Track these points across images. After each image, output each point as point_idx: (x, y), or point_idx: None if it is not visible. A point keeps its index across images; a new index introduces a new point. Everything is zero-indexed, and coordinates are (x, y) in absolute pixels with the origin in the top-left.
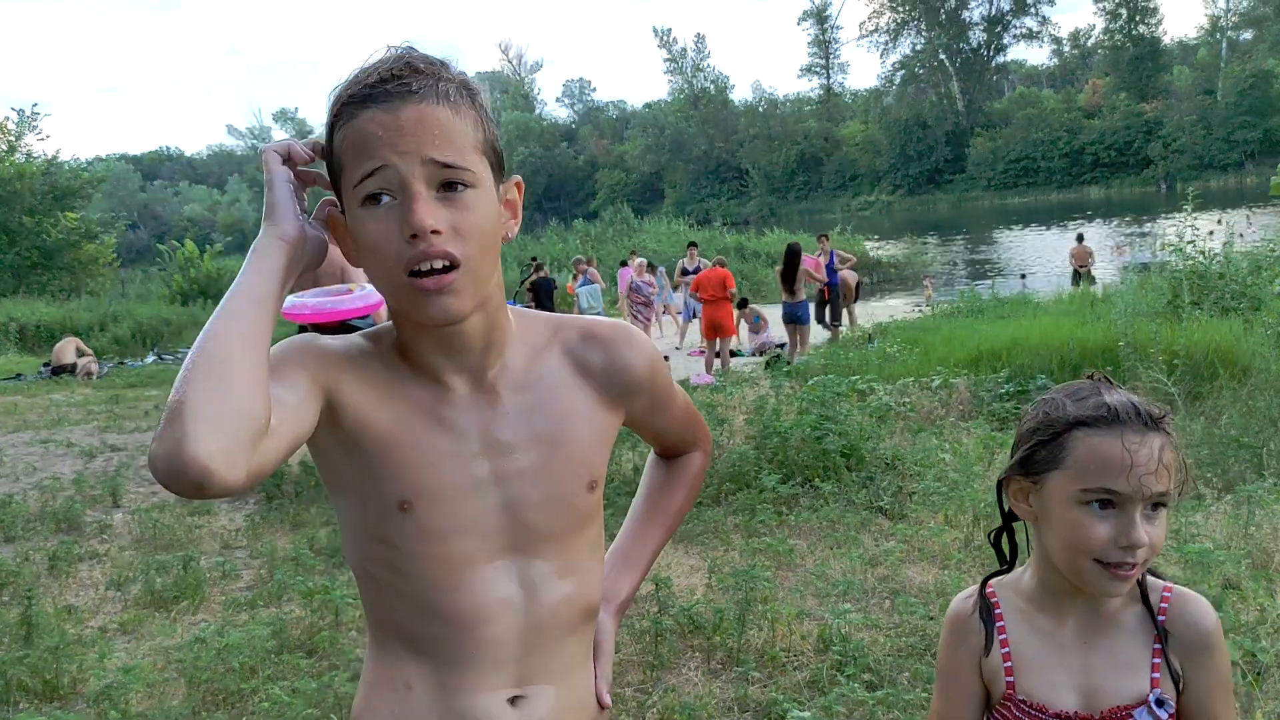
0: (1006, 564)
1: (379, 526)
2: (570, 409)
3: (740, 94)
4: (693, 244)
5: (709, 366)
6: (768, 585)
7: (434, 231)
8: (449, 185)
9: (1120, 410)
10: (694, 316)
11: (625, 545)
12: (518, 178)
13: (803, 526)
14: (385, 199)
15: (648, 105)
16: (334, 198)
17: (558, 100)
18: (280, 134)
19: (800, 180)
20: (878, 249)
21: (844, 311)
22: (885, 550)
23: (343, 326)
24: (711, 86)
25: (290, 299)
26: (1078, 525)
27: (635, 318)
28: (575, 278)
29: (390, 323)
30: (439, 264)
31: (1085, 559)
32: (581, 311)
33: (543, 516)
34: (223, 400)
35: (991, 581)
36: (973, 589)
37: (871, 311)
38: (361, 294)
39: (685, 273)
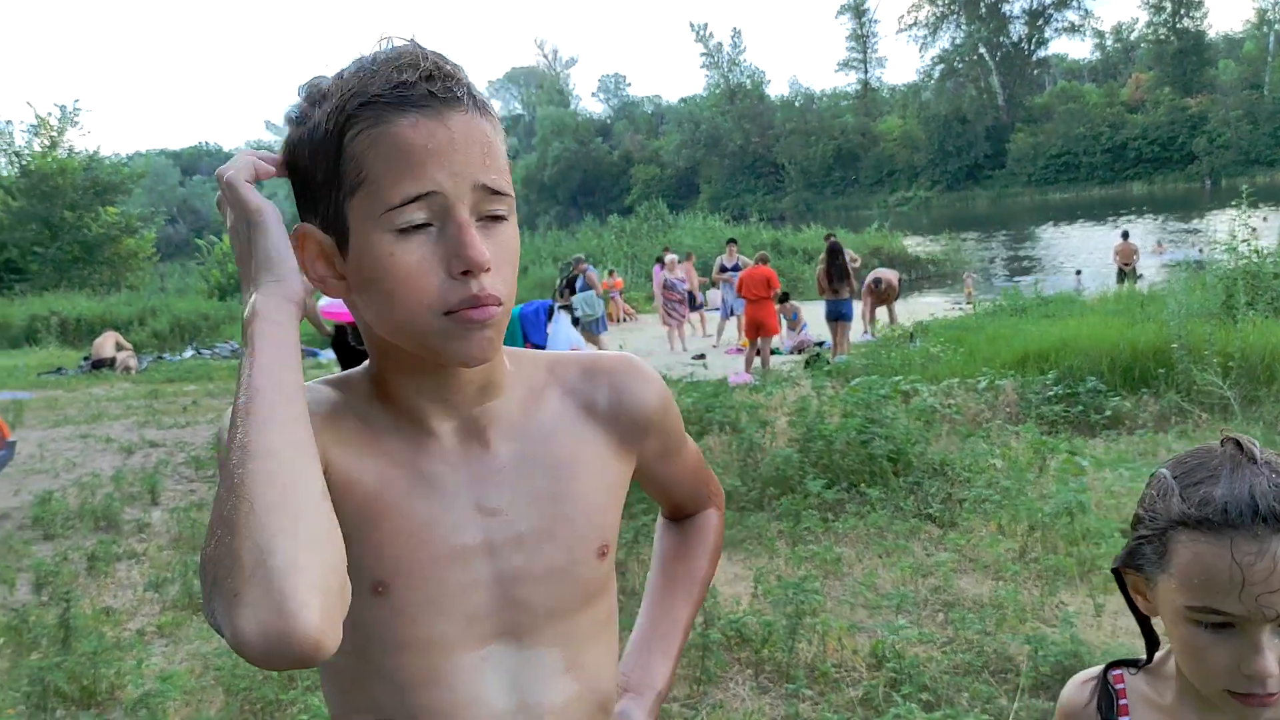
0: (1145, 659)
1: (350, 612)
2: (575, 458)
3: (776, 89)
4: (732, 240)
5: (748, 365)
6: (818, 598)
7: (486, 269)
8: (493, 216)
9: (1231, 509)
10: (731, 314)
11: (652, 623)
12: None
13: (849, 534)
14: (431, 227)
15: (683, 100)
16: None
17: (593, 95)
18: None
19: (837, 176)
20: (916, 246)
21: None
22: (937, 561)
23: None
24: (748, 81)
25: (326, 300)
26: (1191, 646)
27: (670, 314)
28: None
29: (364, 365)
30: (481, 305)
31: (1208, 683)
32: (575, 321)
33: (543, 592)
34: (314, 547)
35: (1120, 670)
36: (1093, 673)
37: (911, 309)
38: None
39: (724, 269)
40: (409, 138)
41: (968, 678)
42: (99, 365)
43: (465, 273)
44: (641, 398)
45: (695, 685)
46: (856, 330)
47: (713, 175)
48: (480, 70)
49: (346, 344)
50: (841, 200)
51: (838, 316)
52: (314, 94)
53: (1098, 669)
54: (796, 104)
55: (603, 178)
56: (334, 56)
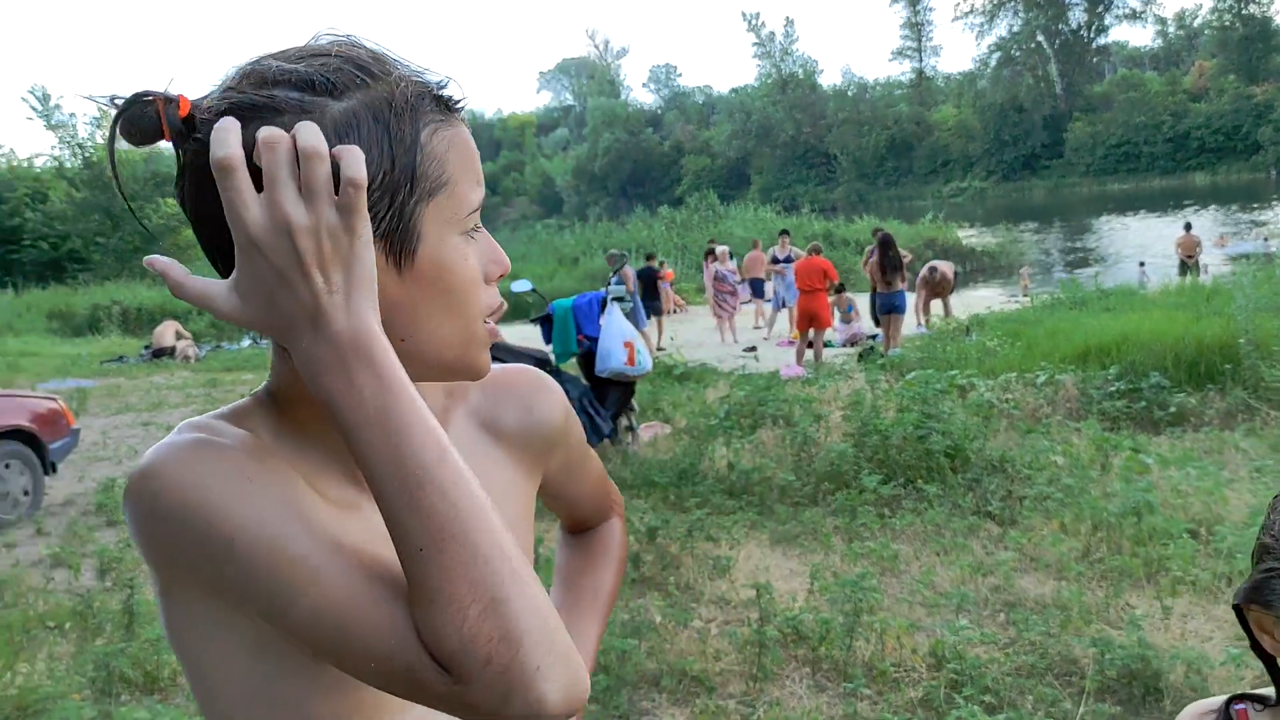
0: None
1: (271, 686)
2: (489, 484)
3: (829, 78)
4: (784, 231)
5: (799, 358)
6: (876, 596)
7: None
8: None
9: None
10: (782, 305)
11: None
12: None
13: (906, 530)
14: (479, 232)
15: (734, 90)
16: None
17: (644, 86)
18: None
19: (890, 166)
20: (971, 237)
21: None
22: (998, 560)
23: None
24: (800, 71)
25: None
26: None
27: (721, 306)
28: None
29: (250, 403)
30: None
31: None
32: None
33: None
34: (549, 603)
35: (1243, 704)
36: (1213, 704)
37: (966, 302)
38: None
39: (776, 260)
40: (469, 140)
41: (1031, 680)
42: (159, 354)
43: (500, 277)
44: (549, 413)
45: (751, 682)
46: (910, 323)
47: (764, 166)
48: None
49: None
50: (894, 191)
51: (890, 309)
52: (323, 82)
53: (1218, 700)
54: (849, 93)
55: (653, 168)
56: (398, 49)
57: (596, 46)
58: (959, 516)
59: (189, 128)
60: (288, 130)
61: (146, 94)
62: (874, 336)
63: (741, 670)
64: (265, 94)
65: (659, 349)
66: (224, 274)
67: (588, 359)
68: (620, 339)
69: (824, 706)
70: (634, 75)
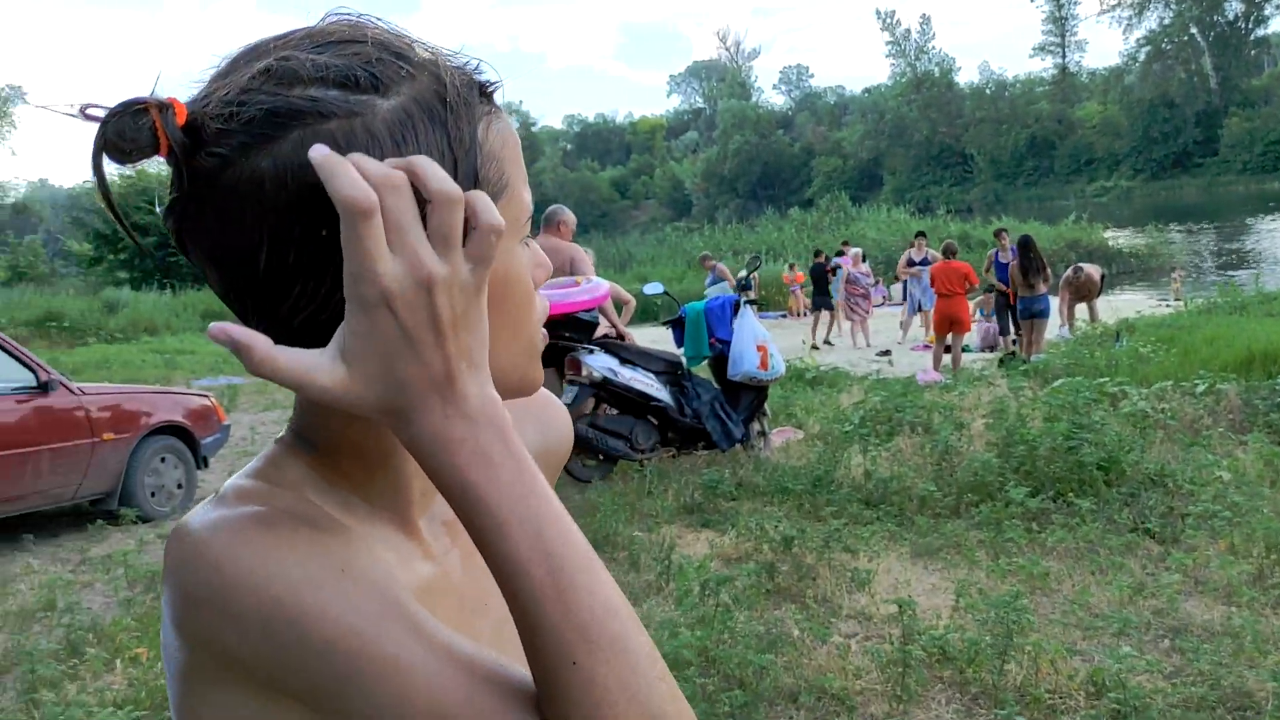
0: None
1: None
2: None
3: (966, 76)
4: (921, 234)
5: (937, 363)
6: (1030, 618)
7: None
8: None
9: None
10: (918, 309)
11: None
12: None
13: (1057, 547)
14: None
15: (867, 90)
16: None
17: (774, 87)
18: None
19: (1030, 165)
20: (1117, 239)
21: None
22: (1160, 582)
23: (569, 320)
24: (936, 69)
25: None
26: None
27: (853, 309)
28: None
29: (278, 459)
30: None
31: None
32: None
33: None
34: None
35: None
36: None
37: (1114, 307)
38: (588, 286)
39: (911, 263)
40: (514, 133)
41: (1201, 714)
42: None
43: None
44: (563, 430)
45: (895, 703)
46: (1053, 327)
47: (897, 166)
48: (664, 64)
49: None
50: (1034, 191)
51: (1032, 314)
52: (365, 78)
53: None
54: (988, 91)
55: (783, 170)
56: (513, 51)
57: (728, 48)
58: (1115, 533)
59: (194, 140)
60: (336, 140)
61: (136, 101)
62: (1015, 341)
63: (884, 690)
64: (302, 95)
65: (826, 343)
66: (249, 319)
67: (720, 362)
68: (753, 342)
69: None
70: (765, 77)
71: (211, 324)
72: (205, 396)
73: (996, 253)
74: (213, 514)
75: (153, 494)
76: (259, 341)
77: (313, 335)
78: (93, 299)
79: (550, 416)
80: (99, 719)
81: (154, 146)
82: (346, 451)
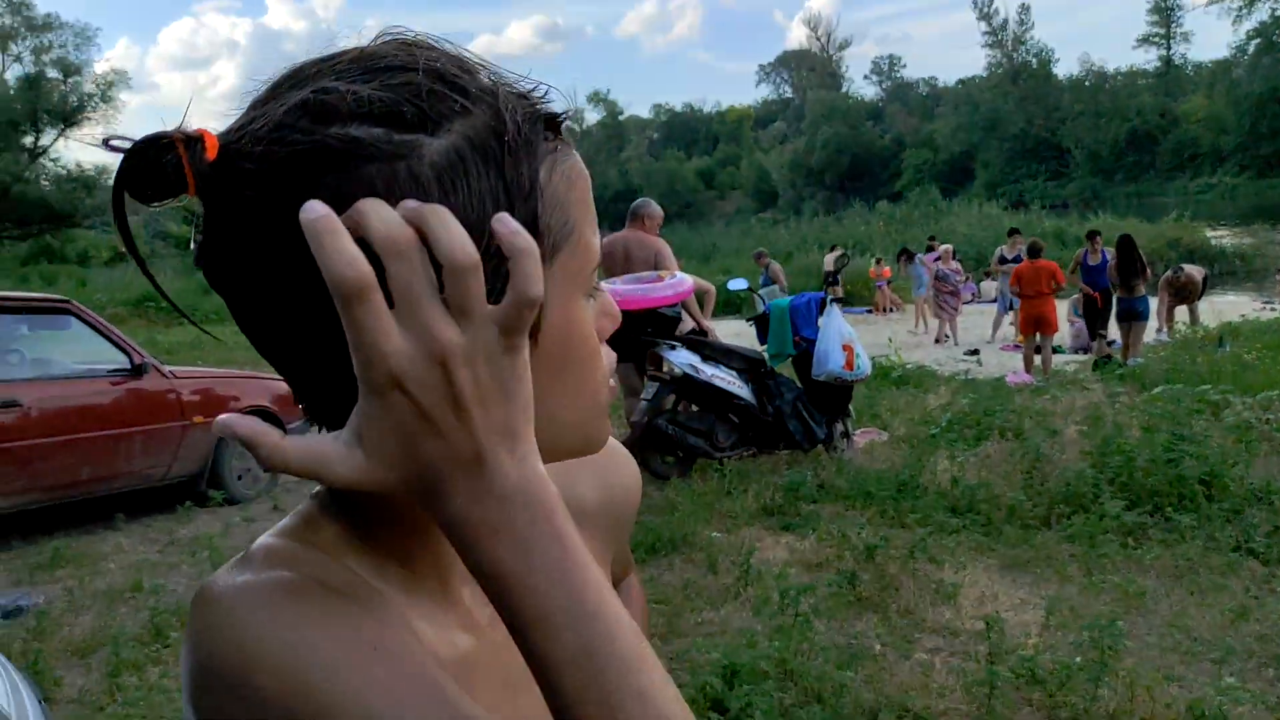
0: None
1: None
2: None
3: (1065, 68)
4: (1014, 230)
5: (1028, 364)
6: (1125, 643)
7: None
8: None
9: None
10: (1010, 308)
11: None
12: None
13: (1154, 564)
14: None
15: (961, 82)
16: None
17: (865, 78)
18: (593, 116)
19: (1129, 160)
20: (1220, 238)
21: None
22: (1266, 606)
23: (651, 315)
24: (1034, 60)
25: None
26: None
27: (942, 308)
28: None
29: (300, 527)
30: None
31: None
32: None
33: None
34: None
35: None
36: None
37: (1216, 309)
38: (672, 281)
39: (1004, 260)
40: (585, 172)
41: None
42: None
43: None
44: (631, 486)
45: None
46: (1150, 330)
47: (990, 160)
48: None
49: (628, 337)
50: (1134, 187)
51: (1131, 316)
52: (413, 114)
53: None
54: (1087, 83)
55: (872, 162)
56: (614, 42)
57: (819, 39)
58: (1217, 552)
59: (225, 177)
60: (375, 186)
61: (162, 135)
62: (1111, 343)
63: (968, 711)
64: (340, 135)
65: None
66: (283, 368)
67: (804, 360)
68: (839, 341)
69: None
70: (856, 67)
71: (217, 418)
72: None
73: (1085, 254)
74: (238, 578)
75: (239, 477)
76: (267, 436)
77: (345, 393)
78: (189, 280)
79: (615, 466)
80: (179, 704)
81: (180, 186)
82: (382, 516)
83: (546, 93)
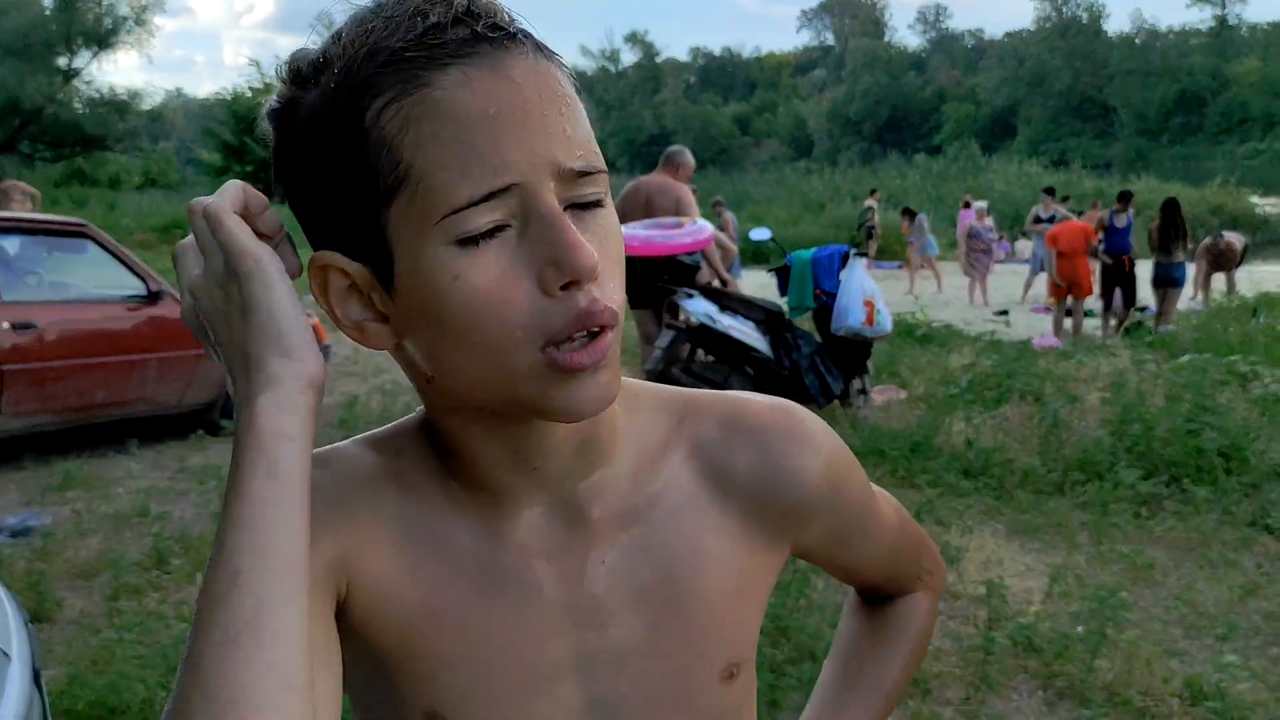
0: None
1: None
2: (700, 550)
3: (1115, 25)
4: (1049, 190)
5: (1057, 327)
6: (1128, 615)
7: (595, 277)
8: (585, 203)
9: None
10: (1041, 268)
11: None
12: None
13: (1166, 536)
14: (509, 229)
15: (1008, 35)
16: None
17: (909, 27)
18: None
19: (1177, 122)
20: (1267, 205)
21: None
22: (1277, 585)
23: (670, 262)
24: (1084, 15)
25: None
26: None
27: (974, 265)
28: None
29: (415, 417)
30: (596, 326)
31: None
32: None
33: None
34: (276, 683)
35: None
36: None
37: (1255, 279)
38: (692, 229)
39: (1039, 220)
40: (460, 103)
41: None
42: None
43: (567, 285)
44: (798, 472)
45: (973, 690)
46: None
47: (1033, 116)
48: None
49: (645, 283)
50: (1180, 149)
51: (1167, 282)
52: (305, 69)
53: None
54: (1137, 41)
55: (912, 114)
56: None
57: None
58: (1231, 526)
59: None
60: (282, 135)
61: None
62: (1144, 309)
63: (963, 675)
64: (277, 93)
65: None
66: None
67: (824, 315)
68: (860, 297)
69: None
70: (900, 15)
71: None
72: (309, 315)
73: (1113, 216)
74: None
75: None
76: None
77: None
78: None
79: (786, 451)
80: (176, 632)
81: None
82: (440, 435)
83: (413, 25)
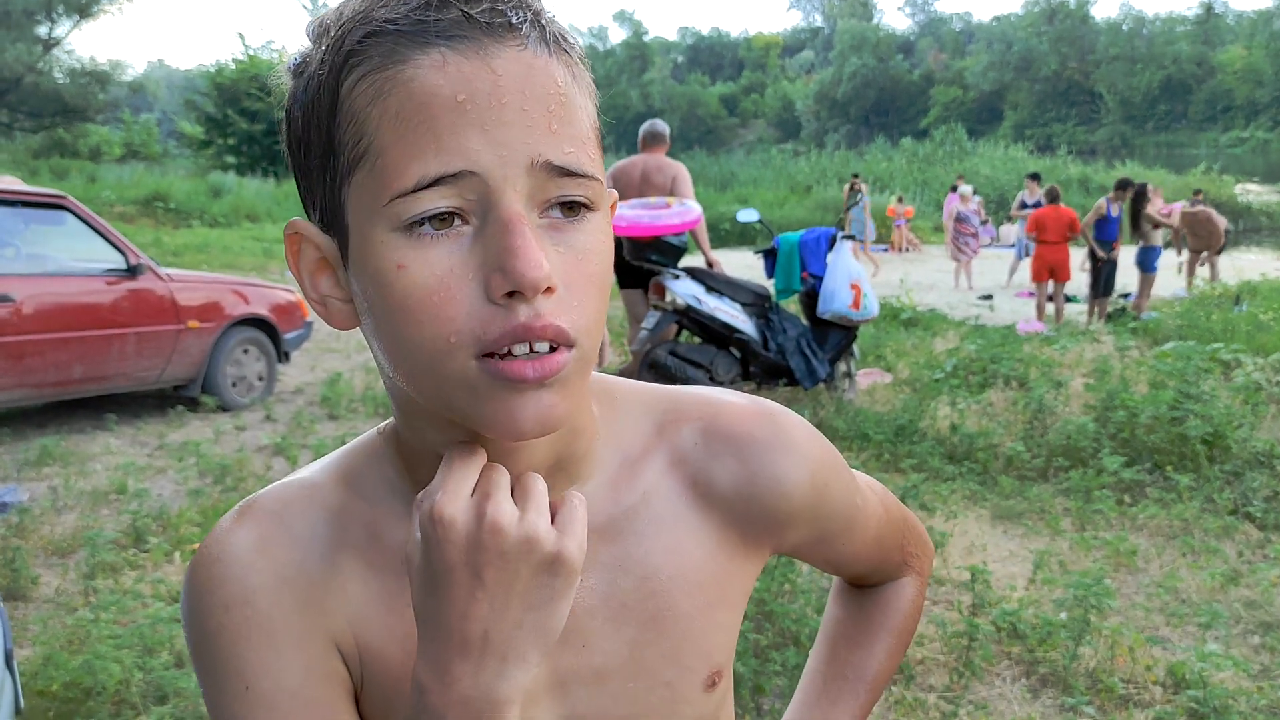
0: None
1: None
2: (679, 563)
3: (1103, 11)
4: (1034, 175)
5: (1040, 312)
6: (1111, 603)
7: (547, 289)
8: (567, 206)
9: None
10: (1025, 254)
11: None
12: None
13: (1148, 523)
14: (457, 222)
15: (996, 19)
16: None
17: (898, 10)
18: (618, 34)
19: (1162, 109)
20: (1248, 194)
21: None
22: (1257, 571)
23: (656, 242)
24: (1072, 1)
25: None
26: None
27: (961, 249)
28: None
29: (385, 427)
30: (543, 346)
31: None
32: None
33: None
34: None
35: None
36: None
37: (1237, 267)
38: (680, 209)
39: (1024, 206)
40: (431, 85)
41: None
42: None
43: (511, 294)
44: (782, 482)
45: (957, 676)
46: (1169, 284)
47: (1019, 101)
48: None
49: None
50: (1164, 136)
51: (1141, 266)
52: (318, 27)
53: None
54: (1124, 27)
55: (899, 97)
56: None
57: None
58: (1213, 514)
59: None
60: (289, 117)
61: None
62: (1125, 295)
63: (946, 662)
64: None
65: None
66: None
67: (810, 298)
68: (847, 280)
69: (1037, 716)
70: None
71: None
72: (290, 291)
73: (1109, 204)
74: (222, 524)
75: (234, 384)
76: None
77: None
78: (199, 182)
79: (768, 462)
80: (152, 611)
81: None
82: (407, 446)
83: (419, 8)
